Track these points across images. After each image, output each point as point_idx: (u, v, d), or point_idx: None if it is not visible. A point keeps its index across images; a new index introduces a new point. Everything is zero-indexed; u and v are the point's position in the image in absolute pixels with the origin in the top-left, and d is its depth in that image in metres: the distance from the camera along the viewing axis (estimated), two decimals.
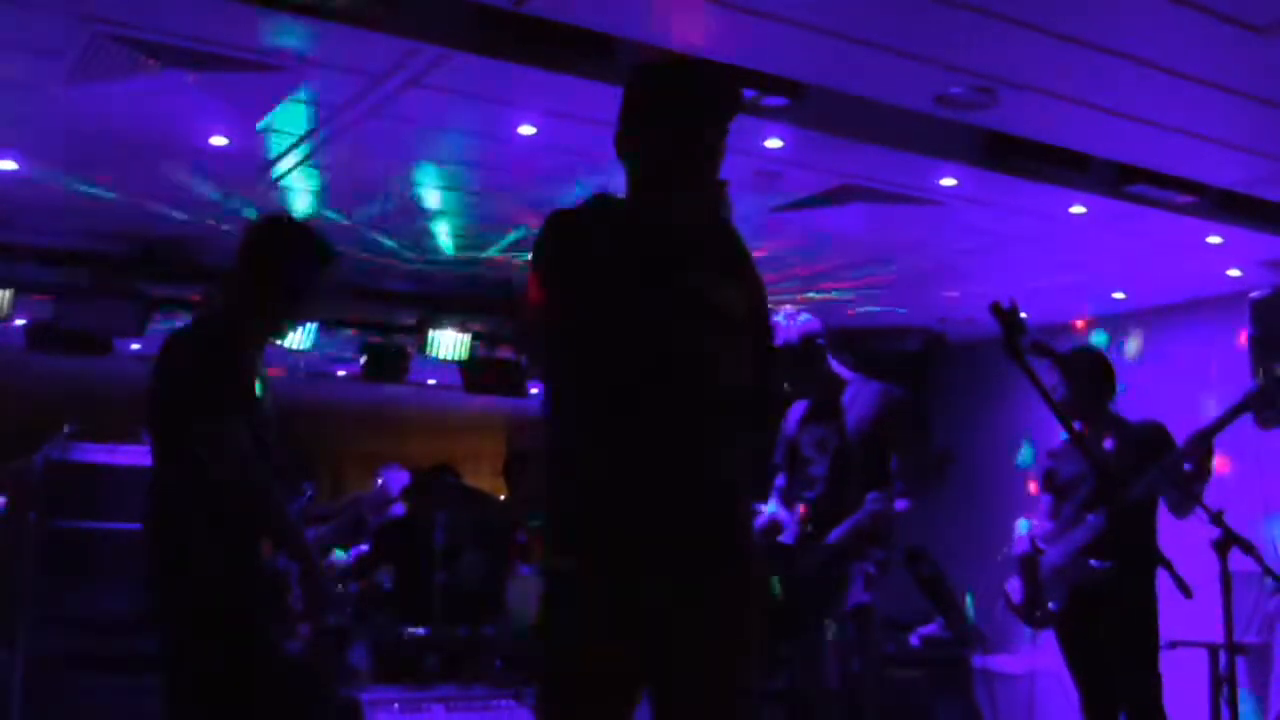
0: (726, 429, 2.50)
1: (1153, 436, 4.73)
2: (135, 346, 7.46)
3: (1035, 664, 7.51)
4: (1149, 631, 4.67)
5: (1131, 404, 5.18)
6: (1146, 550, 4.61)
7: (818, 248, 6.89)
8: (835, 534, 4.28)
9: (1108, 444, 4.76)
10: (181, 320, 6.36)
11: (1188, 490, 4.41)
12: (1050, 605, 4.78)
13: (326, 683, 5.72)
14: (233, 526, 3.35)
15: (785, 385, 4.52)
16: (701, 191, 2.62)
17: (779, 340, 4.36)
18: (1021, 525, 5.00)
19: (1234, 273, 7.24)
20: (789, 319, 4.46)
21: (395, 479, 4.20)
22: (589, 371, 2.48)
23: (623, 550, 2.40)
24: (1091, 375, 4.82)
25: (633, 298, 2.49)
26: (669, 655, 2.41)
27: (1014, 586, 4.95)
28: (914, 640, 7.47)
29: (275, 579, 3.47)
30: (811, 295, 7.69)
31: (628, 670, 2.42)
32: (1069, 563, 4.69)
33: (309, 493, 3.79)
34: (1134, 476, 4.48)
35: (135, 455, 6.09)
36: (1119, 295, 7.91)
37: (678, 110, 2.61)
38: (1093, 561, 4.61)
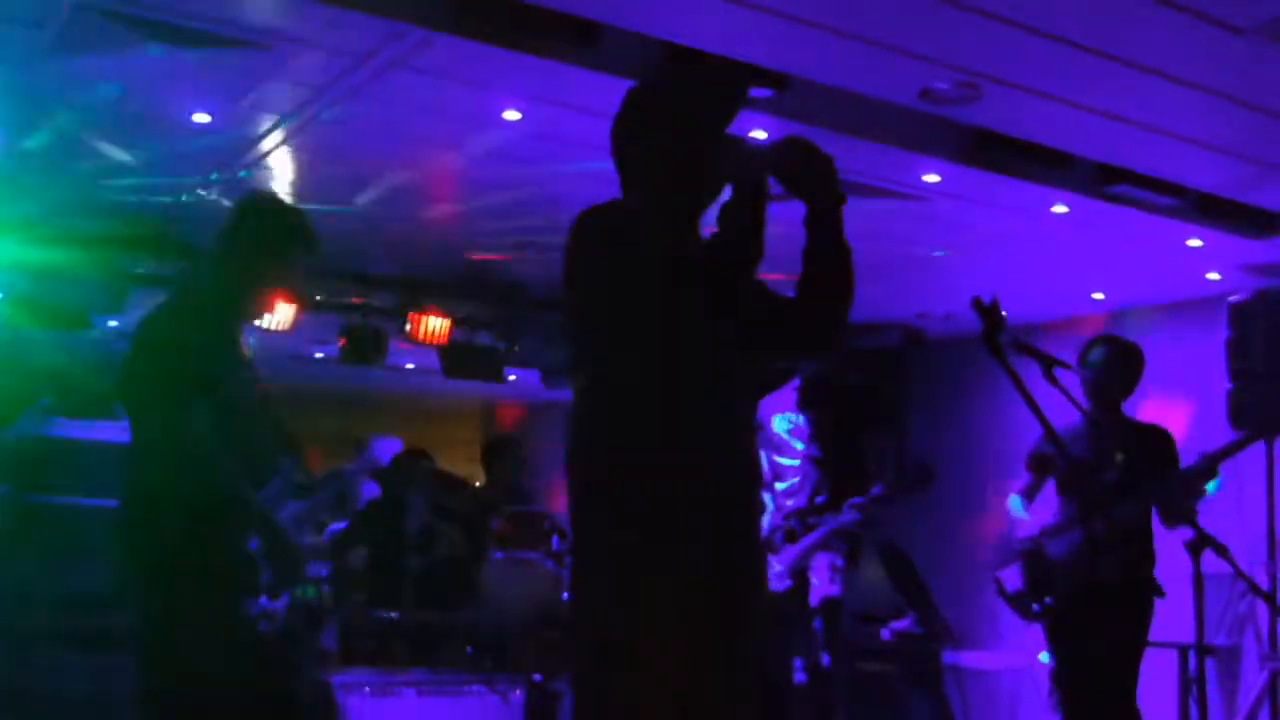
0: (748, 411, 2.78)
1: (1157, 443, 4.71)
2: (113, 323, 7.42)
3: (1006, 660, 7.55)
4: (1142, 636, 4.64)
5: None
6: (1147, 552, 4.59)
7: (800, 240, 6.88)
8: (808, 539, 4.28)
9: (1113, 436, 4.72)
10: (159, 297, 6.31)
11: (1188, 506, 4.40)
12: (1048, 600, 4.72)
13: (301, 664, 5.70)
14: (203, 506, 3.33)
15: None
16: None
17: None
18: (1014, 502, 4.92)
19: (1213, 276, 7.27)
20: None
21: (387, 446, 4.20)
22: (652, 366, 2.61)
23: (681, 521, 2.55)
24: (1123, 365, 4.81)
25: (686, 298, 2.62)
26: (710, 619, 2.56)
27: (1010, 574, 4.87)
28: (885, 634, 7.49)
29: (250, 558, 3.45)
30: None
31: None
32: (1072, 561, 4.61)
33: (289, 466, 3.76)
34: (1137, 480, 4.47)
35: (112, 432, 6.05)
36: (1098, 296, 7.94)
37: (709, 117, 2.76)
38: (1091, 562, 4.55)
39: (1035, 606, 4.76)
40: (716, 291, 2.63)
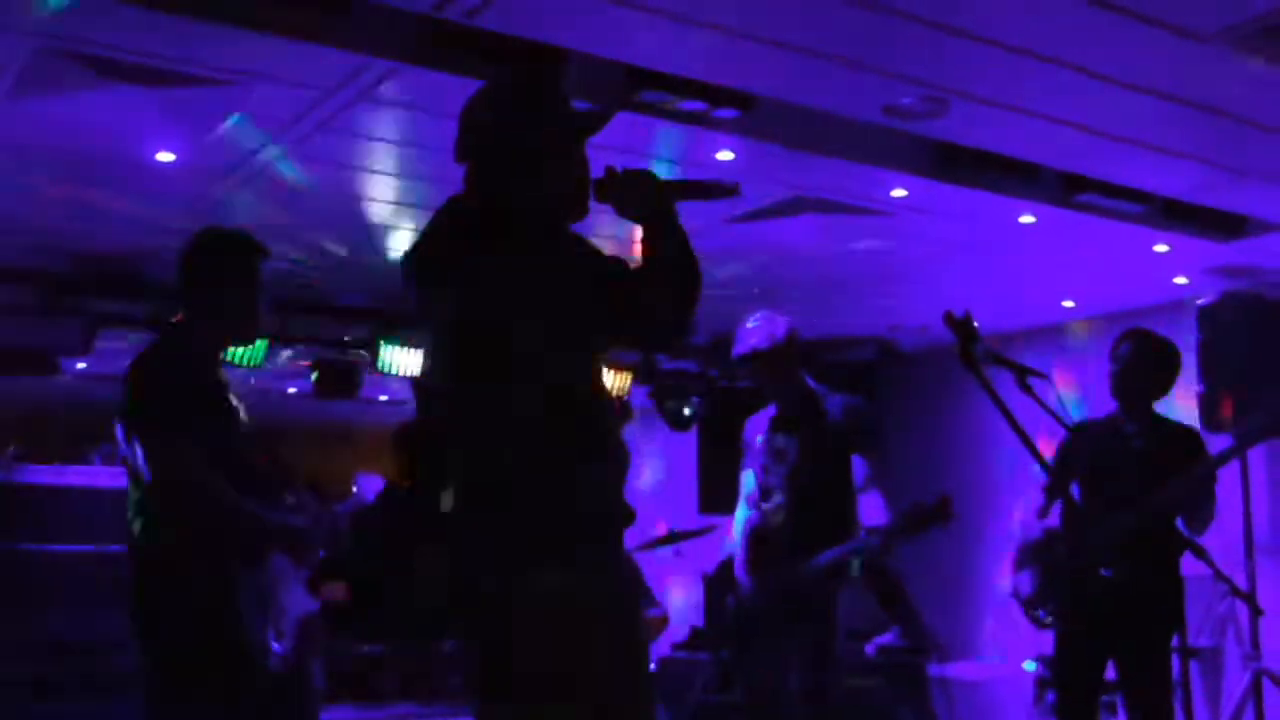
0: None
1: (1184, 445, 4.50)
2: (81, 365, 7.35)
3: (991, 670, 7.56)
4: (1164, 644, 4.42)
5: (1078, 410, 5.20)
6: (1168, 559, 4.38)
7: (771, 258, 6.91)
8: (825, 556, 4.23)
9: (1137, 438, 4.53)
10: (128, 338, 6.28)
11: (1207, 513, 4.31)
12: (1054, 606, 4.54)
13: (303, 701, 5.65)
14: (206, 543, 3.35)
15: (761, 386, 4.49)
16: None
17: (764, 341, 4.32)
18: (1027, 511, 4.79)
19: (1181, 280, 7.33)
20: (767, 320, 4.41)
21: (369, 484, 4.20)
22: (590, 387, 2.53)
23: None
24: (1151, 362, 4.58)
25: (602, 317, 2.50)
26: None
27: (1024, 580, 4.66)
28: (870, 649, 7.48)
29: (263, 595, 3.49)
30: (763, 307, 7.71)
31: None
32: (1080, 567, 4.41)
33: (291, 503, 3.77)
34: (1164, 481, 4.26)
35: (82, 476, 5.99)
36: (1069, 303, 7.99)
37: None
38: (1103, 570, 4.33)
39: (1042, 613, 4.65)
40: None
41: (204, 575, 3.35)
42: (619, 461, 2.55)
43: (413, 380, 7.82)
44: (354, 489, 4.17)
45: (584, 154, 2.62)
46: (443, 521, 2.49)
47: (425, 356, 2.46)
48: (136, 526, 3.43)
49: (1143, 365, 4.58)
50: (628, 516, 2.53)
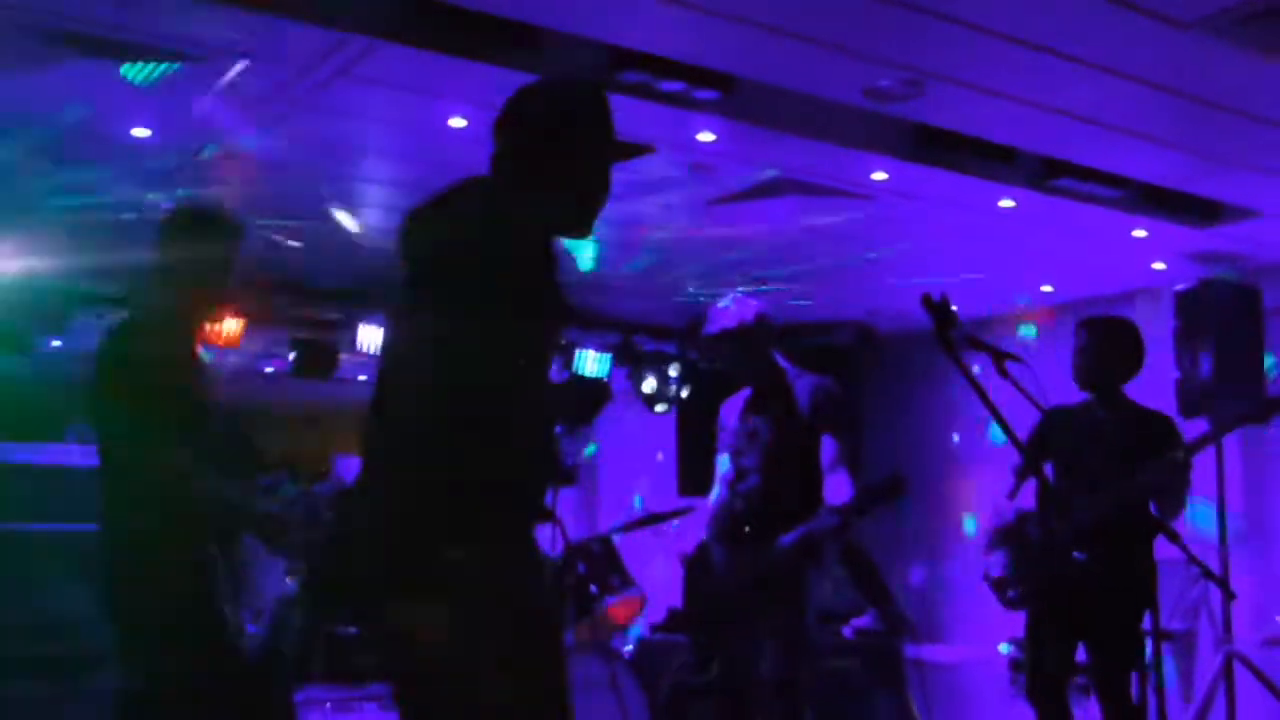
0: None
1: (1155, 429, 4.50)
2: (56, 343, 7.31)
3: (967, 653, 7.60)
4: (1135, 627, 4.42)
5: (1056, 395, 5.18)
6: (1141, 543, 4.40)
7: (751, 240, 6.91)
8: (789, 537, 4.24)
9: (1109, 423, 4.52)
10: (102, 316, 6.24)
11: (1179, 498, 4.33)
12: (1024, 588, 4.54)
13: (280, 682, 5.64)
14: (179, 525, 3.33)
15: (733, 368, 4.49)
16: None
17: (732, 322, 4.32)
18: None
19: (1159, 265, 7.36)
20: (739, 302, 4.41)
21: (348, 467, 4.18)
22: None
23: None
24: (1117, 348, 4.60)
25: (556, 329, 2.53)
26: None
27: (995, 561, 4.66)
28: (847, 632, 7.51)
29: (234, 577, 3.48)
30: (745, 288, 7.71)
31: None
32: (1051, 549, 4.44)
33: (266, 485, 3.75)
34: (1139, 465, 4.28)
35: (58, 455, 5.95)
36: (1047, 288, 8.01)
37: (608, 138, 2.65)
38: (1075, 553, 4.33)
39: (1012, 594, 4.67)
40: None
41: (177, 557, 3.33)
42: (537, 460, 2.54)
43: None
44: (332, 471, 4.14)
45: (611, 176, 2.65)
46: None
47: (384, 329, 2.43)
48: (108, 507, 3.42)
49: (1102, 351, 4.60)
50: (537, 512, 2.55)
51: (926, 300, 3.21)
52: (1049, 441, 4.64)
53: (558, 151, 2.58)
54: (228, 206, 3.69)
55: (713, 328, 4.36)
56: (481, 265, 2.37)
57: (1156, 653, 4.44)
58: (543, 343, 2.53)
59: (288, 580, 5.29)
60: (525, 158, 2.60)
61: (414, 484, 2.39)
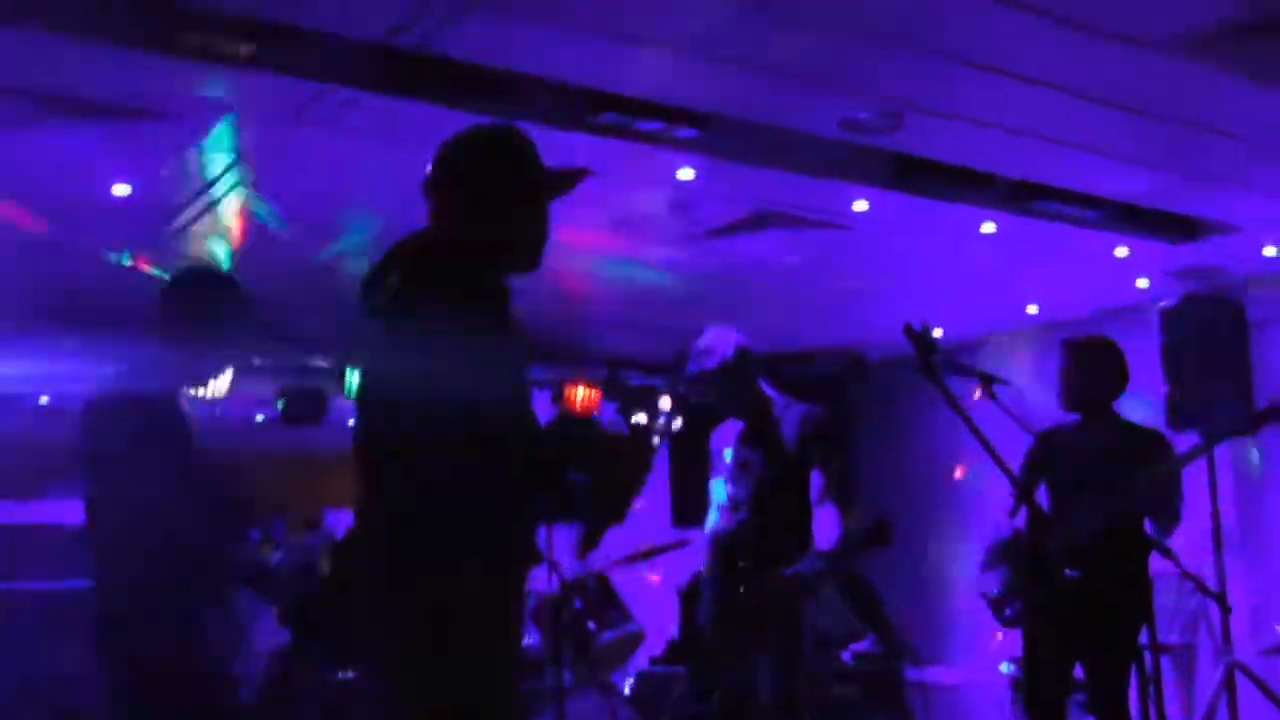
0: None
1: (1152, 445, 4.55)
2: (43, 400, 7.30)
3: (968, 674, 7.58)
4: (1131, 642, 4.47)
5: (1045, 415, 5.20)
6: (1135, 559, 4.44)
7: (735, 275, 6.94)
8: (788, 573, 4.23)
9: (1101, 441, 4.56)
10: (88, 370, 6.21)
11: (1172, 513, 4.37)
12: (1020, 604, 4.60)
13: None
14: (171, 580, 3.35)
15: (718, 403, 4.50)
16: None
17: (715, 359, 4.34)
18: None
19: (1142, 283, 7.39)
20: (720, 336, 4.42)
21: (340, 521, 4.19)
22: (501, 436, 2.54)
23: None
24: (1100, 367, 4.65)
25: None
26: None
27: (991, 579, 4.71)
28: (846, 657, 7.50)
29: (234, 622, 3.49)
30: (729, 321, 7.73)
31: None
32: (1045, 567, 4.43)
33: (255, 539, 3.76)
34: (1129, 481, 4.34)
35: (42, 513, 5.94)
36: (1033, 309, 8.04)
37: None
38: (1070, 571, 4.33)
39: (1009, 611, 4.67)
40: None
41: (170, 611, 3.34)
42: (517, 503, 2.56)
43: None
44: (323, 523, 4.15)
45: (548, 211, 2.70)
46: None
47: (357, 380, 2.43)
48: (100, 563, 3.41)
49: (1083, 372, 4.63)
50: (529, 554, 2.64)
51: (908, 330, 3.24)
52: (1042, 462, 4.66)
53: (484, 197, 2.65)
54: (235, 275, 3.73)
55: (694, 367, 4.38)
56: (419, 318, 2.42)
57: (1155, 667, 4.44)
58: (508, 384, 2.57)
59: (281, 630, 5.28)
60: (456, 208, 2.65)
61: (400, 528, 2.43)
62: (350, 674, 6.58)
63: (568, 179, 2.73)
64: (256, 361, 7.54)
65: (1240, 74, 4.53)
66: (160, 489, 3.33)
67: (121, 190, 5.24)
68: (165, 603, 3.34)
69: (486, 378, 2.46)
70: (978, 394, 4.33)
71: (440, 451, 2.41)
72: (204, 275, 3.78)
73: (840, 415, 7.91)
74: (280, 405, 8.00)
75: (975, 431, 3.37)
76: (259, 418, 8.95)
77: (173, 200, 5.39)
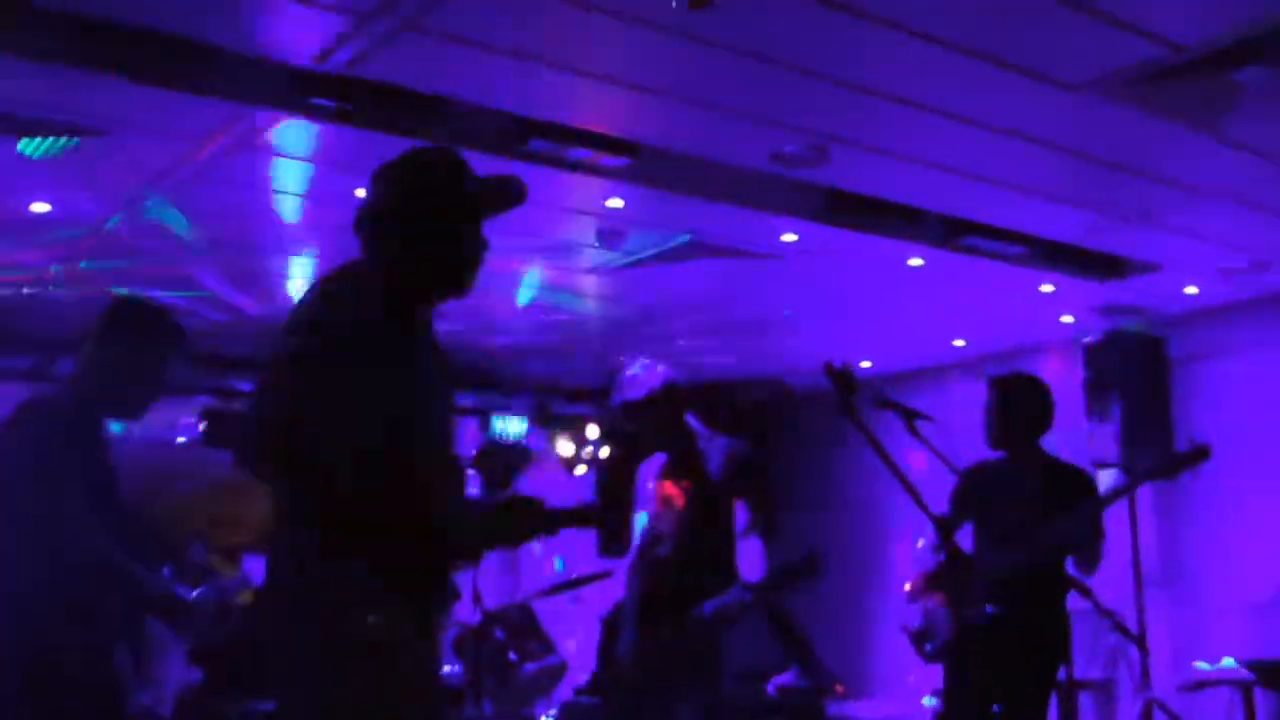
0: None
1: (1075, 484, 4.55)
2: None
3: (890, 708, 7.60)
4: (1048, 679, 4.47)
5: (973, 448, 5.22)
6: (1054, 596, 4.44)
7: (663, 303, 6.93)
8: (704, 609, 4.20)
9: (1024, 479, 4.54)
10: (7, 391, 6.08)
11: (1098, 547, 4.38)
12: (940, 641, 4.56)
13: None
14: (81, 609, 3.26)
15: (643, 436, 4.46)
16: None
17: (640, 392, 4.30)
18: (922, 544, 4.80)
19: (1067, 319, 7.48)
20: (647, 369, 4.39)
21: (257, 568, 4.08)
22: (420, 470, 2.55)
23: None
24: (1024, 405, 4.61)
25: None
26: None
27: (913, 613, 4.68)
28: (770, 689, 7.48)
29: (138, 660, 3.40)
30: (658, 350, 7.73)
31: None
32: (965, 602, 4.41)
33: (168, 575, 3.66)
34: (1051, 520, 4.30)
35: None
36: (959, 343, 8.11)
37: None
38: (988, 607, 4.29)
39: (928, 647, 4.67)
40: None
41: (79, 641, 3.25)
42: (434, 539, 2.54)
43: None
44: (240, 570, 4.04)
45: (479, 234, 2.67)
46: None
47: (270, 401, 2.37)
48: (10, 590, 3.32)
49: (1008, 410, 4.64)
50: (444, 591, 2.63)
51: (829, 369, 3.23)
52: (968, 499, 4.67)
53: (414, 221, 2.61)
54: (170, 310, 3.66)
55: (619, 397, 4.35)
56: (328, 346, 2.39)
57: (1071, 703, 4.46)
58: (417, 413, 2.54)
59: (190, 664, 5.17)
60: (389, 234, 2.63)
61: (300, 556, 2.39)
62: (267, 704, 6.46)
63: (502, 192, 2.70)
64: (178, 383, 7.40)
65: (1161, 116, 4.59)
66: (69, 513, 3.24)
67: (40, 208, 5.14)
68: (72, 633, 3.25)
69: (390, 406, 2.43)
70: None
71: (338, 479, 2.36)
72: (140, 308, 3.70)
73: (764, 447, 7.95)
74: (201, 428, 7.87)
75: (895, 470, 3.36)
76: (180, 439, 8.81)
77: (92, 219, 5.29)
